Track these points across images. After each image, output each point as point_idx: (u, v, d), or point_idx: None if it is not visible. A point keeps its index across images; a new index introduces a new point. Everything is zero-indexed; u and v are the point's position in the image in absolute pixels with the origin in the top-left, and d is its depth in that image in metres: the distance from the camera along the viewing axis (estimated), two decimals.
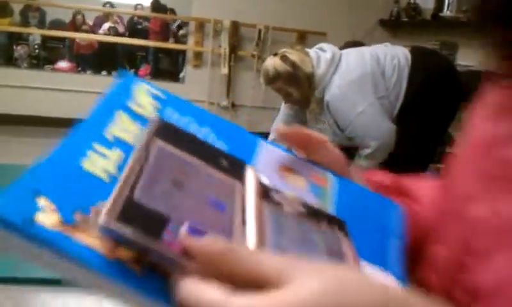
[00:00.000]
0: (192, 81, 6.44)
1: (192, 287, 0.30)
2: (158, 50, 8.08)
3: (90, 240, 0.33)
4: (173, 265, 0.32)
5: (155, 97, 0.48)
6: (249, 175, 0.45)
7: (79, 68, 7.96)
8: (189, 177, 0.42)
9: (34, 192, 0.34)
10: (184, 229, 0.34)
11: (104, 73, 7.80)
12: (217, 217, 0.40)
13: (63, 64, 7.86)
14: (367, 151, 2.76)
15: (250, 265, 0.31)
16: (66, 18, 8.35)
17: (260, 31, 6.09)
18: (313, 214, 0.46)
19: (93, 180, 0.37)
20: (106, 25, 8.02)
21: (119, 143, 0.41)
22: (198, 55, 6.45)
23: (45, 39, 8.25)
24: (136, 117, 0.45)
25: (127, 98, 0.46)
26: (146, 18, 8.32)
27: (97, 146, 0.40)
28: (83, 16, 8.10)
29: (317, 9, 6.15)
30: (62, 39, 8.42)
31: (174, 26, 8.19)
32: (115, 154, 0.40)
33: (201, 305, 0.30)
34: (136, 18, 8.51)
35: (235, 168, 0.46)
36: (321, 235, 0.45)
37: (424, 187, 0.64)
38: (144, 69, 8.16)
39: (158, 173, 0.39)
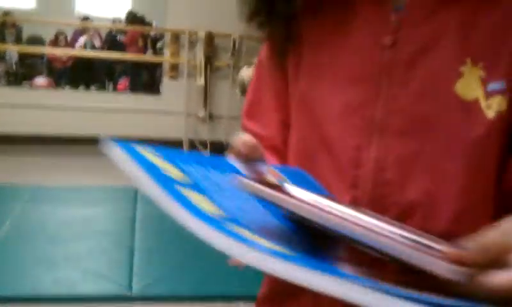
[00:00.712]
0: (169, 93, 6.46)
1: (504, 277, 0.35)
2: (136, 63, 8.10)
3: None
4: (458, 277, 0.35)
5: (160, 156, 0.44)
6: (296, 191, 0.46)
7: (57, 84, 7.96)
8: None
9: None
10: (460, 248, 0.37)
11: (81, 87, 7.80)
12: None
13: (40, 80, 7.85)
14: None
15: (495, 249, 0.37)
16: (43, 33, 8.33)
17: (234, 41, 6.18)
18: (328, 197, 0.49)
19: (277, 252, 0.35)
20: (82, 40, 8.00)
21: (225, 219, 0.39)
22: (174, 67, 6.50)
23: (22, 56, 8.23)
24: (186, 185, 0.41)
25: (159, 170, 0.41)
26: (124, 32, 8.32)
27: (230, 225, 0.37)
28: (66, 37, 8.06)
29: None
30: (40, 56, 8.41)
31: (150, 38, 8.22)
32: (238, 229, 0.38)
33: None
34: (114, 31, 8.52)
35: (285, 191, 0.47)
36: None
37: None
38: (123, 82, 8.16)
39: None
